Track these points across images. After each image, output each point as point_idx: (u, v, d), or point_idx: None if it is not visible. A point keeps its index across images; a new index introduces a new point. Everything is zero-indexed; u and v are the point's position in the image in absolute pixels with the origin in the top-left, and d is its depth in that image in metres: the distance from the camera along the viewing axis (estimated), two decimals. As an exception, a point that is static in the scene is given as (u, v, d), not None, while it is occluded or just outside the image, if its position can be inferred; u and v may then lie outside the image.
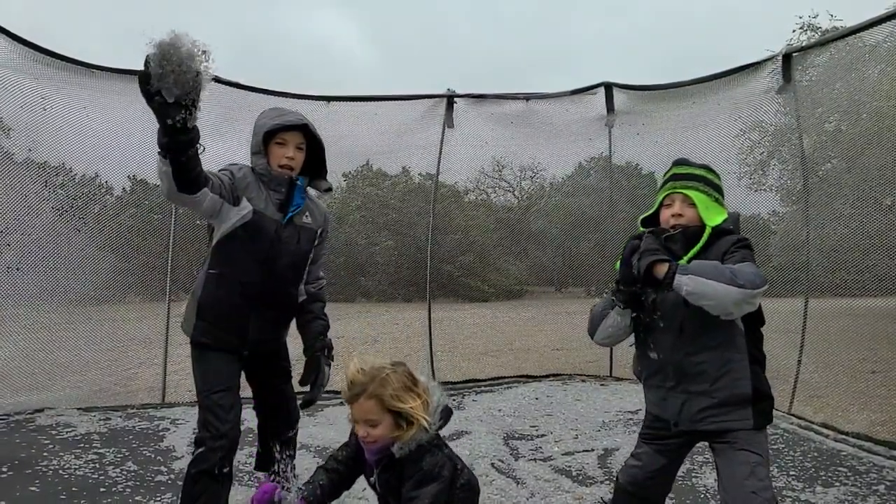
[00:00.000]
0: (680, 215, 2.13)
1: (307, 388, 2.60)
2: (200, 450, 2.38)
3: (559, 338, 8.97)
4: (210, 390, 2.46)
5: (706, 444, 2.19)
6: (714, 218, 2.11)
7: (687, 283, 1.87)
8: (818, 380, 4.96)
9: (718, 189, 2.19)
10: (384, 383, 1.82)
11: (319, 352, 2.66)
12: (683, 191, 2.14)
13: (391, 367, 1.89)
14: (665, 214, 2.17)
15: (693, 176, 2.17)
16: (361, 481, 2.13)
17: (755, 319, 2.08)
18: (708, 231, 2.08)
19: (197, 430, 2.45)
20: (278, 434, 2.99)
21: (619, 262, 2.09)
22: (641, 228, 2.23)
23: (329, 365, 2.69)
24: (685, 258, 2.06)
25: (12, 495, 3.07)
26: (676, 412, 2.11)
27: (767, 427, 2.09)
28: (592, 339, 2.27)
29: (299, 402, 2.75)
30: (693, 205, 2.12)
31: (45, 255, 5.03)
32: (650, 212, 2.27)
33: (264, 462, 3.09)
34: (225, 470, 2.40)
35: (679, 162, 2.26)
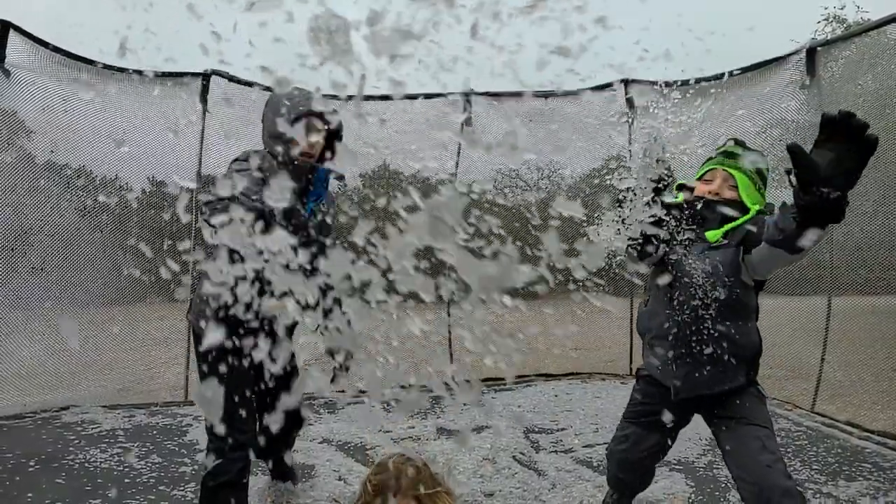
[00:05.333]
0: (716, 193, 2.09)
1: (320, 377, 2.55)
2: (218, 462, 2.26)
3: (578, 338, 8.89)
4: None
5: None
6: (752, 203, 2.08)
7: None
8: (841, 378, 4.87)
9: (764, 179, 2.16)
10: (415, 478, 1.61)
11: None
12: (730, 169, 2.10)
13: (409, 460, 1.68)
14: (702, 188, 2.15)
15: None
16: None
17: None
18: (753, 213, 2.05)
19: (210, 441, 2.31)
20: (285, 435, 2.93)
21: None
22: (678, 194, 2.19)
23: None
24: (719, 231, 2.05)
25: (38, 487, 3.12)
26: (680, 378, 2.07)
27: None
28: None
29: (331, 375, 2.58)
30: (735, 187, 2.08)
31: (68, 256, 5.09)
32: (695, 176, 2.24)
33: (264, 454, 3.05)
34: (244, 480, 2.34)
35: (736, 141, 2.22)
